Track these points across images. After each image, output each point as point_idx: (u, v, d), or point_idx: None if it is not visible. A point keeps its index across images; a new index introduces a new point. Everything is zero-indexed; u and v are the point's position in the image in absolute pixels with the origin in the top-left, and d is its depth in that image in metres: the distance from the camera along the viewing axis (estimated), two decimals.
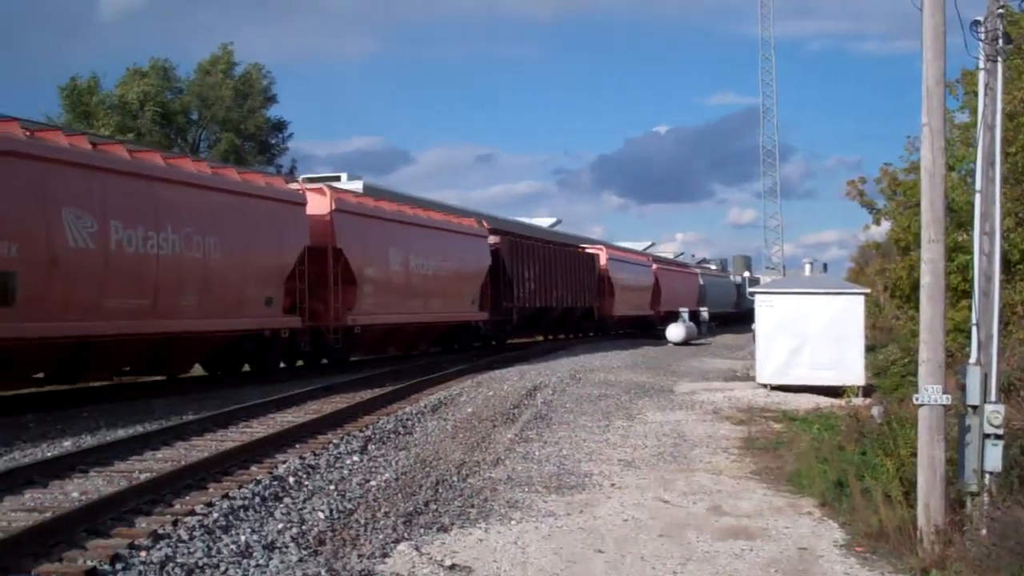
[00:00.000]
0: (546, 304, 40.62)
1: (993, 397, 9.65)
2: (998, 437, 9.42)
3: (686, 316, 48.98)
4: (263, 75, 51.92)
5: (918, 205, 9.61)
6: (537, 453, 14.42)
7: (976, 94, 10.38)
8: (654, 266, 59.56)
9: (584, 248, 50.30)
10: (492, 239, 36.26)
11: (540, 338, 45.94)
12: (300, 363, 26.20)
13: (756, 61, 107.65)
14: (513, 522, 10.26)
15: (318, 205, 24.64)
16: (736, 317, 74.81)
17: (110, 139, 26.11)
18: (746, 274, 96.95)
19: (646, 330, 54.62)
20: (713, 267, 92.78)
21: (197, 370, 23.28)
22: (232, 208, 21.21)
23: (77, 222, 16.52)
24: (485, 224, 36.93)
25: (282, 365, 25.37)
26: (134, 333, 18.38)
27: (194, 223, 19.61)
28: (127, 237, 17.72)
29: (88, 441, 13.46)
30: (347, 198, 26.84)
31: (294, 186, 25.13)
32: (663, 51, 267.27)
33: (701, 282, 69.57)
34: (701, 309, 58.28)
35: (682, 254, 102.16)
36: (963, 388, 9.64)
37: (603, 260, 49.36)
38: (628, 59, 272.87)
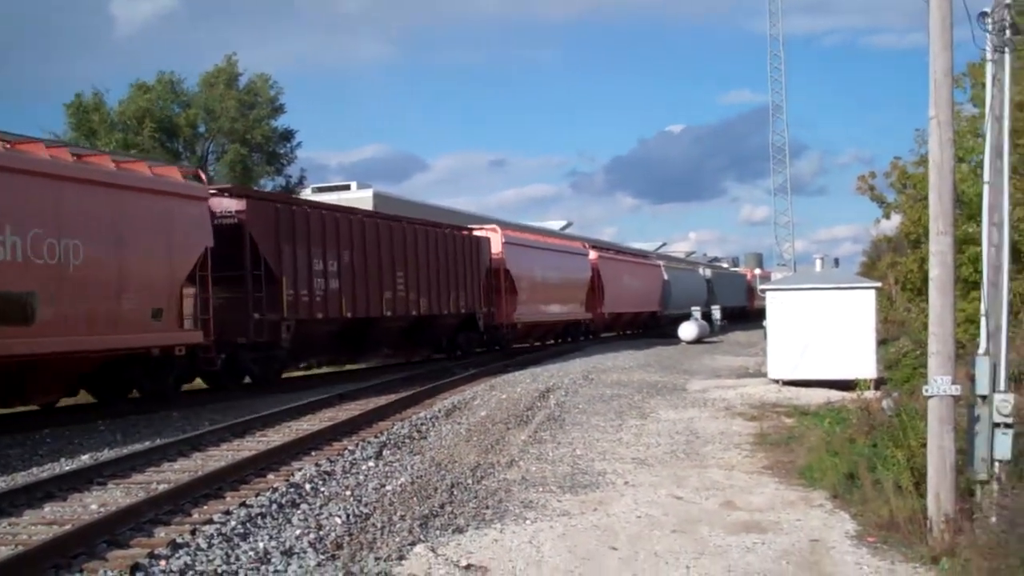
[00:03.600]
0: (366, 313, 26.04)
1: (1002, 386, 9.72)
2: (1008, 426, 9.47)
3: (698, 315, 49.14)
4: (269, 85, 51.98)
5: (928, 198, 9.66)
6: (551, 454, 14.50)
7: (984, 86, 10.43)
8: (592, 255, 46.69)
9: (470, 230, 35.47)
10: (223, 204, 21.74)
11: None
12: None
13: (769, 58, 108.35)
14: (528, 522, 10.34)
15: None
16: (706, 317, 59.88)
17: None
18: (725, 266, 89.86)
19: (575, 340, 43.64)
20: (725, 265, 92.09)
21: None
22: None
23: None
24: (203, 176, 22.44)
25: None
26: None
27: None
28: None
29: (106, 454, 13.61)
30: None
31: None
32: (677, 50, 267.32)
33: (666, 277, 58.12)
34: (665, 311, 53.18)
35: (694, 252, 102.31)
36: (972, 378, 9.69)
37: (497, 246, 35.63)
38: (641, 59, 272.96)
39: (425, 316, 29.68)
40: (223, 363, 21.57)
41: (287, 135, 54.12)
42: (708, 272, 70.72)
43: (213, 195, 21.49)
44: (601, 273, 45.98)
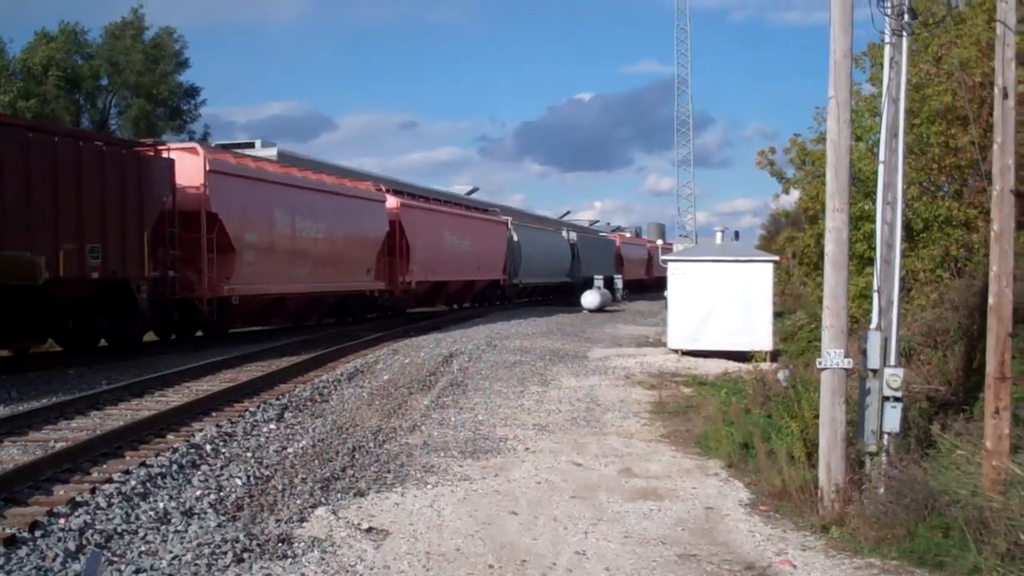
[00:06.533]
0: None
1: (893, 361, 10.02)
2: (897, 399, 9.77)
3: (601, 283, 49.48)
4: (174, 39, 51.14)
5: (825, 175, 9.91)
6: (453, 419, 14.59)
7: (882, 67, 10.69)
8: (391, 203, 33.51)
9: (157, 149, 21.98)
10: None
11: None
12: None
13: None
14: (429, 486, 10.43)
15: None
16: (569, 289, 52.62)
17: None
18: (628, 234, 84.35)
19: (355, 321, 31.26)
20: (627, 235, 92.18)
21: None
22: None
23: None
24: None
25: None
26: None
27: None
28: None
29: (1, 411, 13.31)
30: None
31: None
32: (589, 19, 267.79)
33: (514, 238, 47.22)
34: (516, 280, 46.36)
35: (597, 222, 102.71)
36: (864, 352, 9.98)
37: (195, 176, 22.37)
38: (554, 25, 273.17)
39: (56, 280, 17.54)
40: None
41: (192, 91, 53.37)
42: (573, 236, 58.65)
43: None
44: (406, 228, 33.97)
